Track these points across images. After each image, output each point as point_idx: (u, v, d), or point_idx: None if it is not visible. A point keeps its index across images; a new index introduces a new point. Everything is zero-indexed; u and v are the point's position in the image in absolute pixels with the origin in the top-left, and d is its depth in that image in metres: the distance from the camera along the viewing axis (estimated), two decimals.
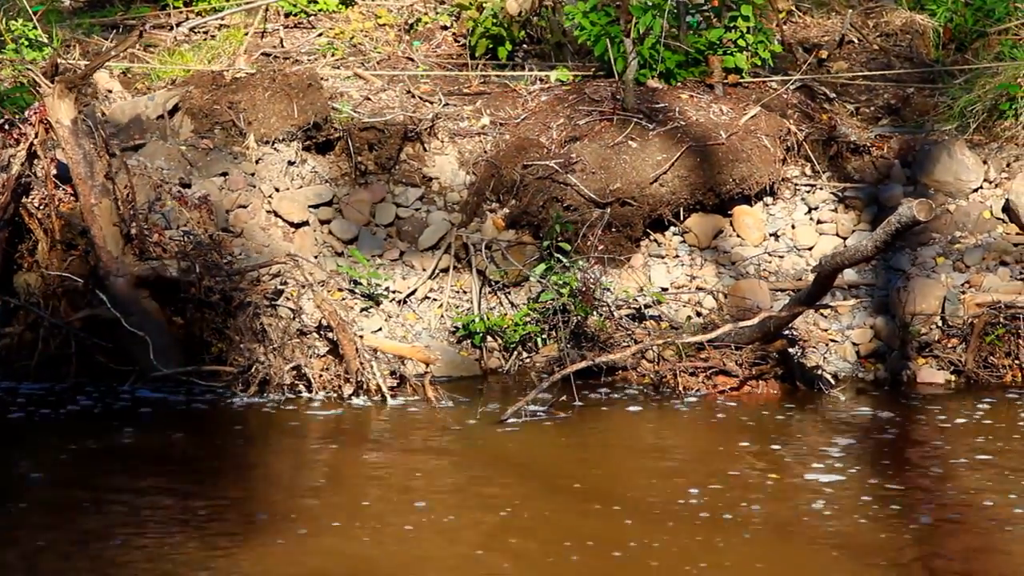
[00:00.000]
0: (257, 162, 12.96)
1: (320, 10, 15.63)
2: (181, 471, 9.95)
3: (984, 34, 15.11)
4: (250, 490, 9.56)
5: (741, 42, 13.78)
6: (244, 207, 12.71)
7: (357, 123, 13.25)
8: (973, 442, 10.79)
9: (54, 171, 11.78)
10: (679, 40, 13.80)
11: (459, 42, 15.08)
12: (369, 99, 13.66)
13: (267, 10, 15.46)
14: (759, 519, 9.09)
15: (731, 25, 13.78)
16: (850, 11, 15.63)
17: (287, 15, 15.62)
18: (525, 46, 14.92)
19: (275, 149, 13.05)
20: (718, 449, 10.78)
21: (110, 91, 13.65)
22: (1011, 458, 10.38)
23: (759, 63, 13.92)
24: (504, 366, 12.47)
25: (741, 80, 13.82)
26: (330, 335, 11.65)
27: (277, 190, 12.89)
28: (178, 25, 15.36)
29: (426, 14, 15.54)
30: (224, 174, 12.81)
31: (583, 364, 11.55)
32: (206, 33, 15.41)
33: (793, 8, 15.75)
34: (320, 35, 15.28)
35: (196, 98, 13.28)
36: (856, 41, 15.37)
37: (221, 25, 15.44)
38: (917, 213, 10.35)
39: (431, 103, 13.73)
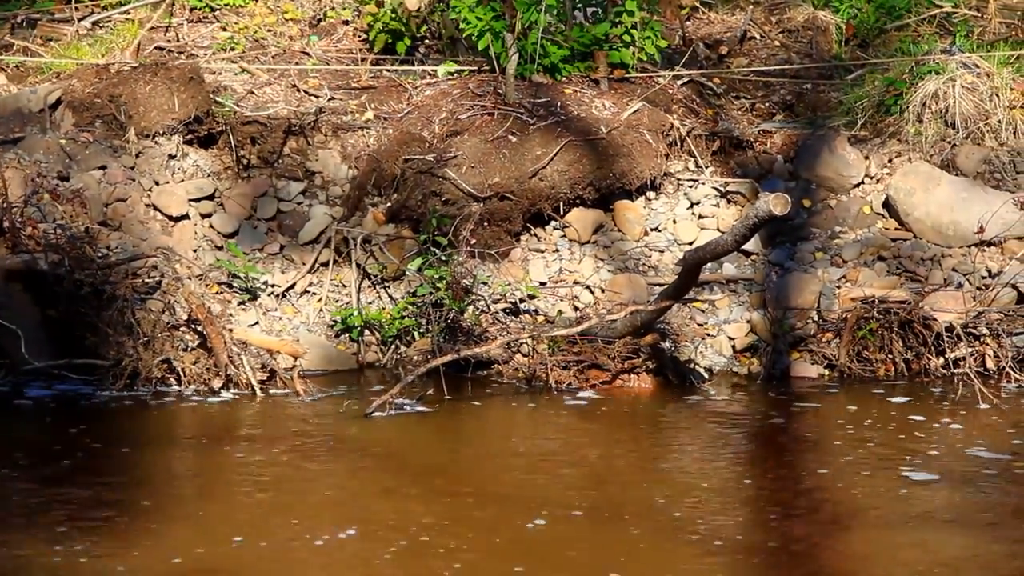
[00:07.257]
0: (137, 155, 12.93)
1: (225, 5, 15.62)
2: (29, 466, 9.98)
3: (885, 31, 15.16)
4: (94, 490, 9.53)
5: (627, 37, 13.77)
6: (123, 200, 12.69)
7: (240, 117, 13.25)
8: (839, 434, 10.87)
9: None
10: (566, 35, 13.80)
11: (360, 37, 15.08)
12: (253, 93, 13.65)
13: (172, 4, 15.43)
14: (625, 511, 9.17)
15: (617, 20, 13.77)
16: (751, 7, 15.65)
17: (192, 10, 15.59)
18: (427, 41, 14.92)
19: (156, 143, 13.02)
20: (586, 442, 10.84)
21: None
22: (875, 449, 10.45)
23: (645, 58, 13.91)
24: (381, 360, 12.47)
25: (628, 75, 13.82)
26: (199, 328, 11.67)
27: (157, 184, 12.87)
28: (81, 19, 15.33)
29: (332, 9, 15.53)
30: (103, 167, 12.78)
31: (449, 357, 11.56)
32: (112, 28, 15.40)
33: (697, 4, 15.76)
34: (224, 29, 15.27)
35: (78, 91, 13.25)
36: (758, 37, 15.39)
37: (126, 19, 15.41)
38: (773, 207, 10.40)
39: (317, 97, 13.73)
